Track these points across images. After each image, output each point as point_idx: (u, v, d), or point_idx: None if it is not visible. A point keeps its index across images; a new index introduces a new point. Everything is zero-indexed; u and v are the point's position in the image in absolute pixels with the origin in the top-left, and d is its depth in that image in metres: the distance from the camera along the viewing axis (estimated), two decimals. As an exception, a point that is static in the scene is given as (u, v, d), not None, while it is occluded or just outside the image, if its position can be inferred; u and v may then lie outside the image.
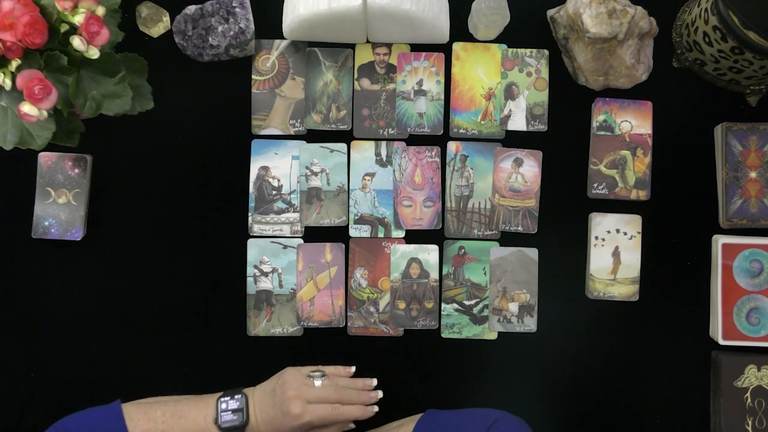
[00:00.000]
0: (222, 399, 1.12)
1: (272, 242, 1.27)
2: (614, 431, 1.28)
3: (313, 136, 1.29)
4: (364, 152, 1.29)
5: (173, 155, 1.28)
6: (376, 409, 1.18)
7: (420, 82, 1.29)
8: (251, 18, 1.25)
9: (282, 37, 1.28)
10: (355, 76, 1.29)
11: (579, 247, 1.28)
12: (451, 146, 1.29)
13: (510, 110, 1.29)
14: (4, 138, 1.06)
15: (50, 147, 1.13)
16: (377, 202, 1.28)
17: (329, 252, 1.28)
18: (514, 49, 1.29)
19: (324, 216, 1.28)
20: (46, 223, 1.25)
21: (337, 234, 1.28)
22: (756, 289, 1.25)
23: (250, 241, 1.27)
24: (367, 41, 1.29)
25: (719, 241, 1.26)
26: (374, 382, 1.22)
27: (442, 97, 1.29)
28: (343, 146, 1.29)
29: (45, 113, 1.02)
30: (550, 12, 1.27)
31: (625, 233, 1.26)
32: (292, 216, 1.28)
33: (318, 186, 1.28)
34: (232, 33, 1.24)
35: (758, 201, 1.26)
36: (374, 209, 1.28)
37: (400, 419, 1.23)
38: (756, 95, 1.27)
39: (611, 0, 1.19)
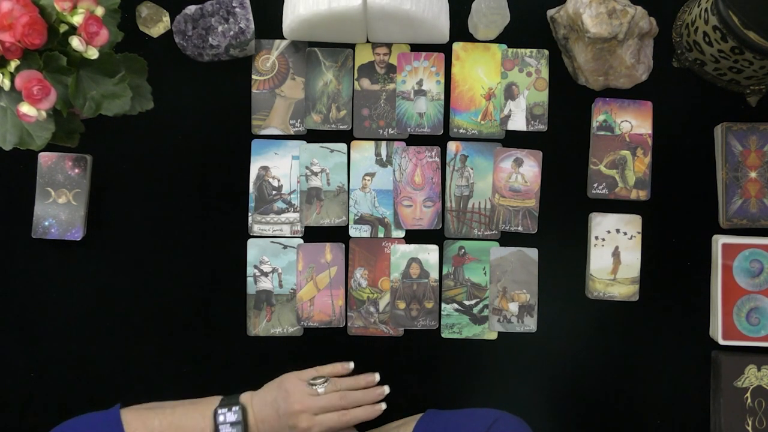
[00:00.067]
0: (220, 411, 1.11)
1: (272, 242, 1.27)
2: (614, 431, 1.28)
3: (313, 136, 1.29)
4: (364, 152, 1.29)
5: (173, 155, 1.28)
6: (383, 406, 1.18)
7: (420, 82, 1.29)
8: (251, 18, 1.25)
9: (282, 37, 1.28)
10: (355, 76, 1.29)
11: (579, 247, 1.28)
12: (451, 146, 1.29)
13: (510, 110, 1.29)
14: (3, 138, 1.06)
15: (50, 147, 1.13)
16: (377, 202, 1.28)
17: (329, 252, 1.28)
18: (514, 49, 1.29)
19: (324, 216, 1.28)
20: (46, 223, 1.25)
21: (337, 234, 1.28)
22: (756, 289, 1.25)
23: (250, 241, 1.27)
24: (367, 41, 1.29)
25: (719, 241, 1.25)
26: (377, 377, 1.21)
27: (442, 97, 1.29)
28: (343, 146, 1.29)
29: (44, 114, 1.02)
30: (550, 12, 1.27)
31: (625, 233, 1.26)
32: (292, 216, 1.28)
33: (318, 186, 1.28)
34: (232, 33, 1.24)
35: (758, 201, 1.26)
36: (374, 209, 1.28)
37: (400, 419, 1.23)
38: (756, 95, 1.27)
39: (611, 0, 1.19)
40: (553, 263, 1.28)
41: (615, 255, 1.26)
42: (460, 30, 1.29)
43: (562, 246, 1.28)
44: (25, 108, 1.01)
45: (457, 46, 1.29)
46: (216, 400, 1.14)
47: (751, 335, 1.25)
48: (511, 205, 1.28)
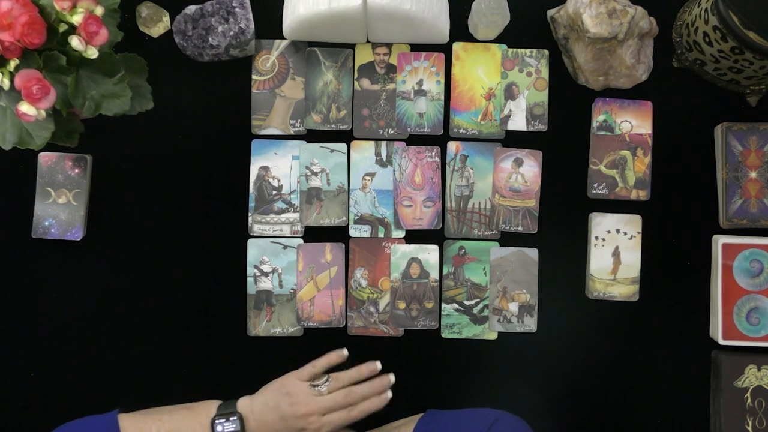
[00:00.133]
0: (217, 421, 1.10)
1: (272, 242, 1.27)
2: (614, 431, 1.28)
3: (313, 136, 1.29)
4: (364, 152, 1.29)
5: (173, 155, 1.28)
6: (389, 395, 1.16)
7: (420, 82, 1.29)
8: (251, 18, 1.25)
9: (282, 37, 1.28)
10: (355, 76, 1.29)
11: (579, 247, 1.28)
12: (451, 146, 1.29)
13: (510, 110, 1.29)
14: (3, 138, 1.06)
15: (50, 147, 1.13)
16: (377, 202, 1.28)
17: (329, 252, 1.28)
18: (514, 49, 1.29)
19: (324, 216, 1.28)
20: (46, 223, 1.25)
21: (337, 234, 1.28)
22: (756, 289, 1.25)
23: (250, 241, 1.27)
24: (367, 41, 1.29)
25: (719, 241, 1.25)
26: (378, 365, 1.19)
27: (442, 97, 1.29)
28: (343, 146, 1.29)
29: (43, 113, 1.02)
30: (550, 12, 1.27)
31: (625, 233, 1.26)
32: (292, 216, 1.28)
33: (318, 186, 1.28)
34: (232, 33, 1.24)
35: (758, 201, 1.26)
36: (374, 209, 1.28)
37: (401, 419, 1.23)
38: (756, 95, 1.27)
39: (611, 0, 1.19)
40: (553, 263, 1.28)
41: (615, 255, 1.26)
42: (460, 30, 1.29)
43: (562, 246, 1.28)
44: (25, 107, 1.01)
45: (457, 46, 1.29)
46: (213, 405, 1.13)
47: (751, 335, 1.25)
48: (511, 205, 1.28)
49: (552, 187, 1.29)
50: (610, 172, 1.27)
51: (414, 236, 1.28)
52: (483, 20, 1.23)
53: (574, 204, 1.29)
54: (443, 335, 1.28)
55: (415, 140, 1.29)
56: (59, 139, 1.13)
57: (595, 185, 1.27)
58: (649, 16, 1.23)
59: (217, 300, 1.28)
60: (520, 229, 1.28)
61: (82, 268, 1.27)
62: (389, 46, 1.29)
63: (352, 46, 1.30)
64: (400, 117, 1.29)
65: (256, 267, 1.27)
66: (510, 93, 1.29)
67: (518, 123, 1.29)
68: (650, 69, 1.28)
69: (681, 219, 1.29)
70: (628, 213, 1.27)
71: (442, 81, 1.29)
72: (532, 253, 1.28)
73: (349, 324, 1.28)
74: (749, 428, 1.24)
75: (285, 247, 1.27)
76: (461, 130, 1.29)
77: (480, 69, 1.29)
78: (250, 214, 1.27)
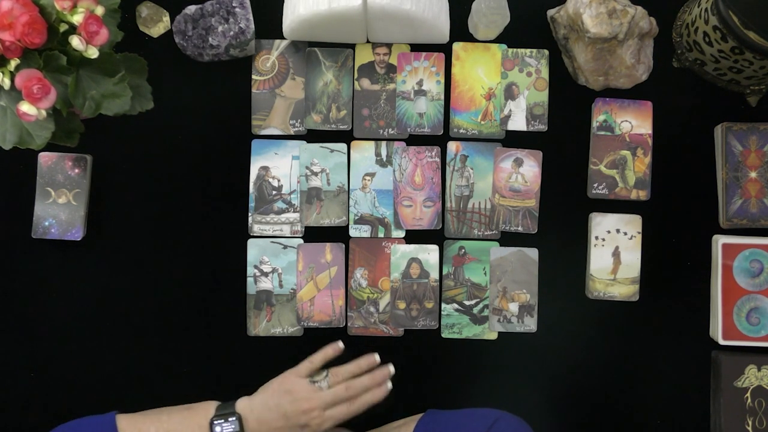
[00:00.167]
0: (216, 422, 1.09)
1: (272, 242, 1.27)
2: (614, 431, 1.28)
3: (313, 136, 1.29)
4: (364, 152, 1.29)
5: (173, 155, 1.28)
6: (390, 385, 1.16)
7: (420, 82, 1.29)
8: (251, 18, 1.25)
9: (282, 37, 1.28)
10: (355, 76, 1.29)
11: (579, 247, 1.28)
12: (451, 146, 1.29)
13: (510, 110, 1.29)
14: (3, 138, 1.05)
15: (50, 147, 1.13)
16: (377, 202, 1.28)
17: (329, 252, 1.28)
18: (514, 49, 1.29)
19: (324, 216, 1.28)
20: (46, 223, 1.25)
21: (337, 234, 1.28)
22: (756, 289, 1.25)
23: (250, 241, 1.27)
24: (367, 41, 1.29)
25: (719, 241, 1.25)
26: (376, 357, 1.18)
27: (442, 97, 1.29)
28: (343, 146, 1.29)
29: (44, 113, 1.02)
30: (550, 12, 1.27)
31: (625, 233, 1.26)
32: (292, 216, 1.28)
33: (318, 186, 1.28)
34: (232, 33, 1.24)
35: (758, 201, 1.26)
36: (374, 209, 1.28)
37: (401, 419, 1.23)
38: (756, 95, 1.27)
39: (611, 0, 1.19)
40: (553, 263, 1.28)
41: (615, 255, 1.26)
42: (460, 30, 1.29)
43: (562, 246, 1.28)
44: (25, 107, 1.01)
45: (457, 46, 1.29)
46: (211, 406, 1.13)
47: (751, 335, 1.25)
48: (511, 205, 1.28)
49: (552, 187, 1.29)
50: (610, 172, 1.27)
51: (414, 236, 1.28)
52: (483, 20, 1.23)
53: (574, 204, 1.29)
54: (443, 335, 1.28)
55: (415, 140, 1.29)
56: (59, 138, 1.13)
57: (595, 185, 1.27)
58: (649, 16, 1.23)
59: (217, 300, 1.28)
60: (520, 229, 1.28)
61: (82, 268, 1.27)
62: (389, 46, 1.29)
63: (352, 46, 1.30)
64: (400, 117, 1.29)
65: (256, 267, 1.27)
66: (510, 93, 1.29)
67: (518, 123, 1.29)
68: (650, 69, 1.28)
69: (681, 219, 1.29)
70: (628, 213, 1.27)
71: (442, 81, 1.29)
72: (532, 253, 1.28)
73: (349, 324, 1.28)
74: (749, 428, 1.24)
75: (285, 247, 1.27)
76: (461, 130, 1.29)
77: (480, 69, 1.29)
78: (250, 214, 1.27)
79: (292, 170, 1.28)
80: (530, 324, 1.27)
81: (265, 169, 1.28)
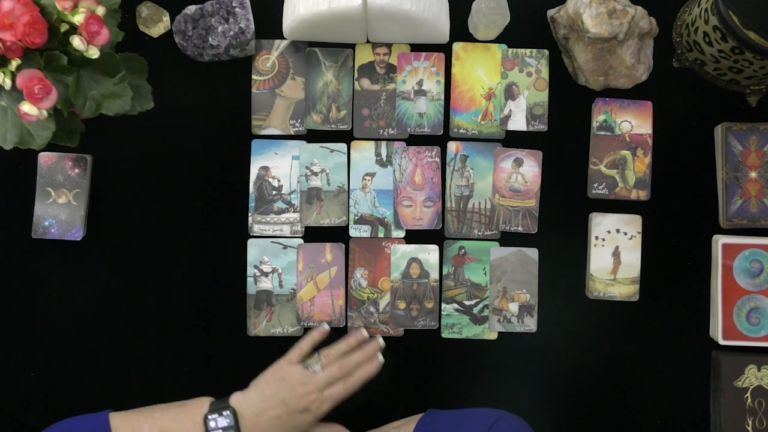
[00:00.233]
0: (210, 416, 1.10)
1: (272, 242, 1.27)
2: (614, 431, 1.28)
3: (313, 136, 1.29)
4: (364, 152, 1.29)
5: (173, 155, 1.28)
6: (381, 358, 1.19)
7: (420, 82, 1.29)
8: (251, 18, 1.25)
9: (282, 37, 1.28)
10: (355, 76, 1.29)
11: (579, 247, 1.28)
12: (451, 146, 1.29)
13: (510, 110, 1.29)
14: (3, 138, 1.05)
15: (50, 147, 1.13)
16: (377, 202, 1.28)
17: (329, 252, 1.28)
18: (514, 49, 1.29)
19: (324, 216, 1.28)
20: (46, 223, 1.24)
21: (337, 234, 1.28)
22: (756, 289, 1.25)
23: (250, 241, 1.27)
24: (367, 41, 1.29)
25: (719, 241, 1.26)
26: (364, 332, 1.23)
27: (442, 97, 1.29)
28: (343, 146, 1.29)
29: (45, 113, 1.02)
30: (550, 12, 1.27)
31: (625, 233, 1.26)
32: (292, 216, 1.28)
33: (318, 186, 1.28)
34: (232, 33, 1.24)
35: (758, 201, 1.26)
36: (374, 209, 1.28)
37: (401, 419, 1.23)
38: (756, 95, 1.27)
39: (611, 0, 1.19)
40: (553, 263, 1.28)
41: (615, 255, 1.26)
42: (460, 30, 1.29)
43: (562, 246, 1.29)
44: (26, 107, 1.01)
45: (457, 46, 1.29)
46: (205, 401, 1.13)
47: (751, 335, 1.25)
48: (511, 205, 1.28)
49: (552, 187, 1.29)
50: (610, 172, 1.27)
51: (414, 236, 1.28)
52: (483, 20, 1.23)
53: (574, 204, 1.29)
54: (443, 335, 1.28)
55: (415, 140, 1.29)
56: (60, 138, 1.13)
57: (595, 185, 1.27)
58: (649, 16, 1.23)
59: (217, 300, 1.28)
60: (520, 229, 1.28)
61: (82, 268, 1.27)
62: (389, 46, 1.29)
63: (352, 46, 1.30)
64: (400, 117, 1.29)
65: (256, 267, 1.27)
66: (510, 93, 1.29)
67: (518, 123, 1.29)
68: (650, 69, 1.28)
69: (681, 219, 1.29)
70: (628, 213, 1.27)
71: (442, 81, 1.29)
72: (532, 253, 1.28)
73: (349, 324, 1.28)
74: (749, 428, 1.24)
75: (285, 247, 1.27)
76: (461, 130, 1.29)
77: (480, 69, 1.29)
78: (250, 214, 1.27)
79: (292, 170, 1.28)
80: (530, 324, 1.27)
81: (265, 169, 1.28)
